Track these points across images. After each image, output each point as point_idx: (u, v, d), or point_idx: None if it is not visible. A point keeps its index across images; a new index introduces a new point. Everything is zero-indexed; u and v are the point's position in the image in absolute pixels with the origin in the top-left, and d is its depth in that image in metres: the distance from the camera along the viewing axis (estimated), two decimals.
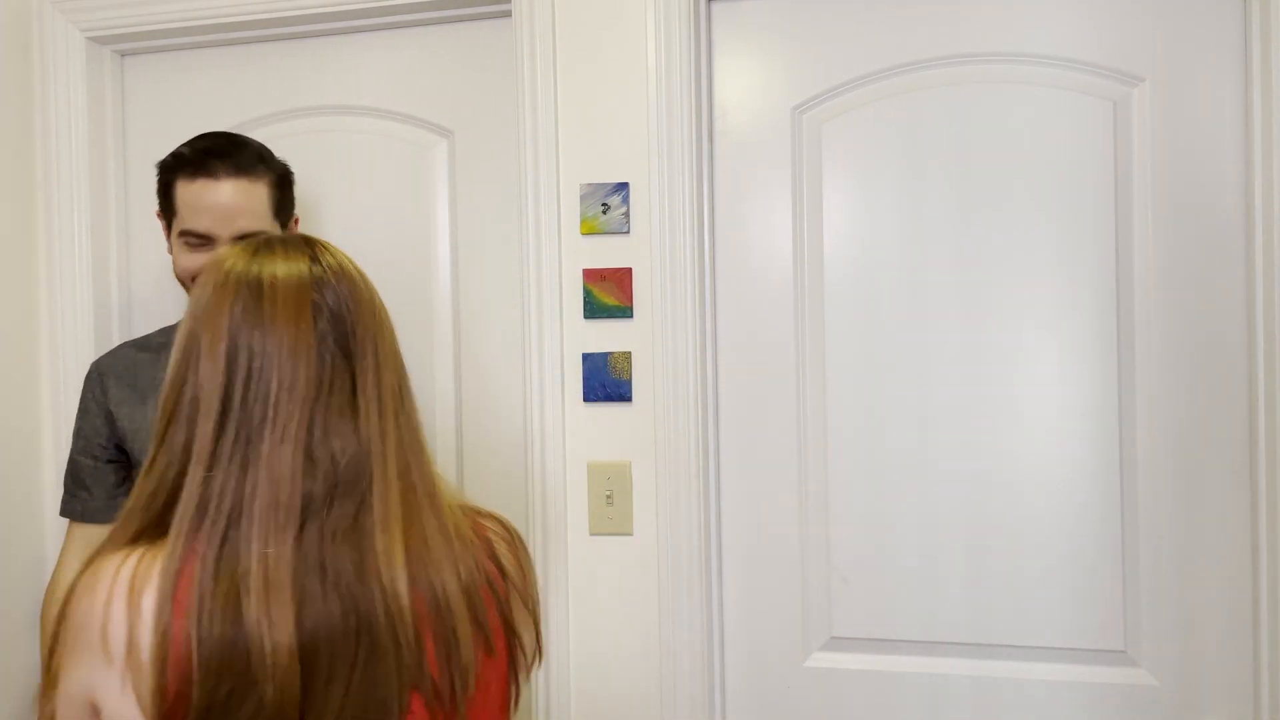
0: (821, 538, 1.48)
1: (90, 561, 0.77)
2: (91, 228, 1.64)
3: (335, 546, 0.76)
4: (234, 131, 1.40)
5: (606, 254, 1.47)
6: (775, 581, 1.49)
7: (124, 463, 1.41)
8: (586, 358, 1.47)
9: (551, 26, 1.48)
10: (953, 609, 1.43)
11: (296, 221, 1.45)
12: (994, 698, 1.42)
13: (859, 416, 1.46)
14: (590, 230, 1.47)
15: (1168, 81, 1.36)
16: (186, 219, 1.31)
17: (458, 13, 1.57)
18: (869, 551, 1.46)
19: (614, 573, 1.48)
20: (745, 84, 1.50)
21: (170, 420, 0.78)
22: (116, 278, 1.69)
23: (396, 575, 0.77)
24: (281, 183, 1.38)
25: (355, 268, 0.85)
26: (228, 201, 1.30)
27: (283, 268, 0.79)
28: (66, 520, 1.42)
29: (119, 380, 1.41)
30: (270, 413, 0.76)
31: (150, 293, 1.71)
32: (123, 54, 1.71)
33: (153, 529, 0.77)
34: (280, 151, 1.67)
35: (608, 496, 1.47)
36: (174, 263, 1.35)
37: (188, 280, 1.35)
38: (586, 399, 1.47)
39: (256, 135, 1.65)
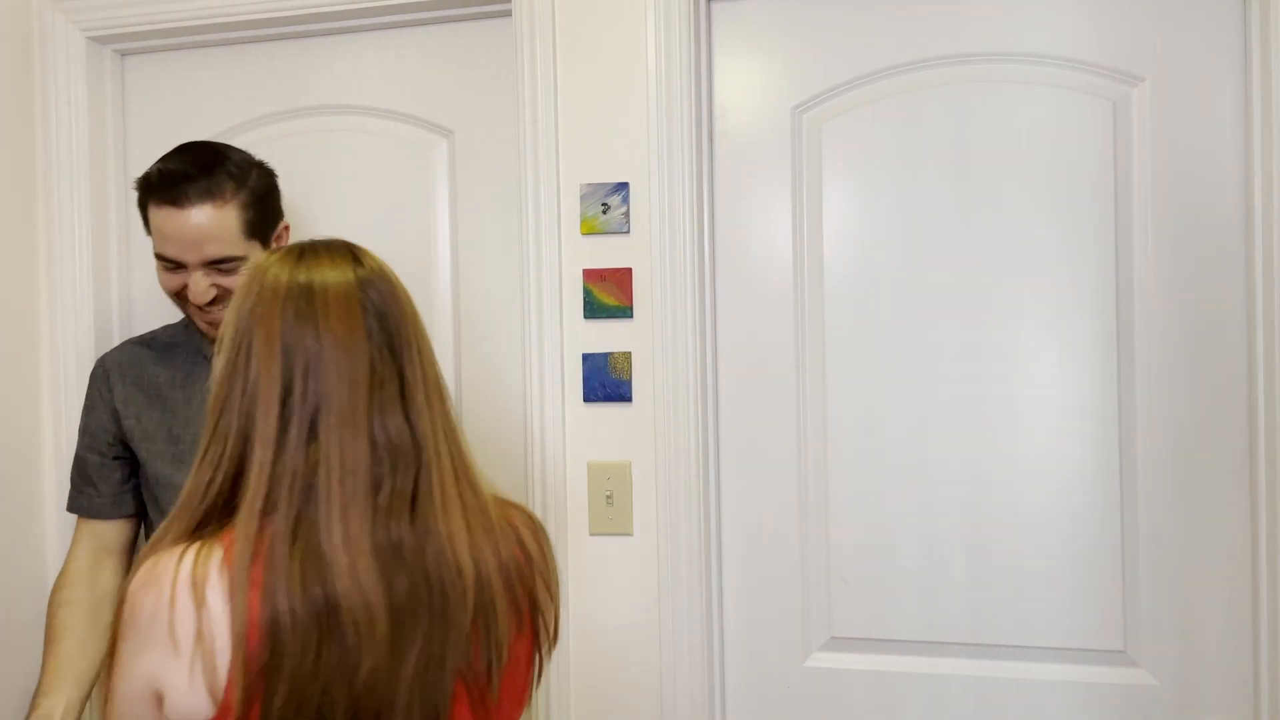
0: (821, 538, 1.48)
1: (147, 556, 0.80)
2: (91, 228, 1.64)
3: (402, 522, 0.82)
4: (214, 142, 1.37)
5: (606, 254, 1.47)
6: (775, 581, 1.49)
7: (130, 459, 1.41)
8: (586, 358, 1.47)
9: (551, 26, 1.48)
10: (953, 609, 1.43)
11: (287, 229, 1.42)
12: (994, 698, 1.42)
13: (859, 416, 1.46)
14: (590, 230, 1.47)
15: (1168, 81, 1.36)
16: (157, 243, 1.31)
17: (458, 12, 1.57)
18: (869, 551, 1.46)
19: (614, 572, 1.48)
20: (745, 84, 1.50)
21: (223, 414, 0.82)
22: (116, 278, 1.69)
23: (459, 551, 0.84)
24: (257, 201, 1.34)
25: (391, 270, 0.91)
26: (193, 230, 1.27)
27: (331, 273, 0.85)
28: (70, 517, 1.43)
29: (124, 378, 1.42)
30: (330, 403, 0.81)
31: (150, 293, 1.71)
32: (123, 54, 1.71)
33: (213, 518, 0.81)
34: (280, 151, 1.66)
35: (608, 496, 1.47)
36: (158, 277, 1.35)
37: (171, 298, 1.35)
38: (586, 399, 1.47)
39: (256, 135, 1.66)
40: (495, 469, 1.57)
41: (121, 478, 1.41)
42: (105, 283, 1.67)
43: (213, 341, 1.37)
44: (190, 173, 1.28)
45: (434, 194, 1.61)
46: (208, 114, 1.67)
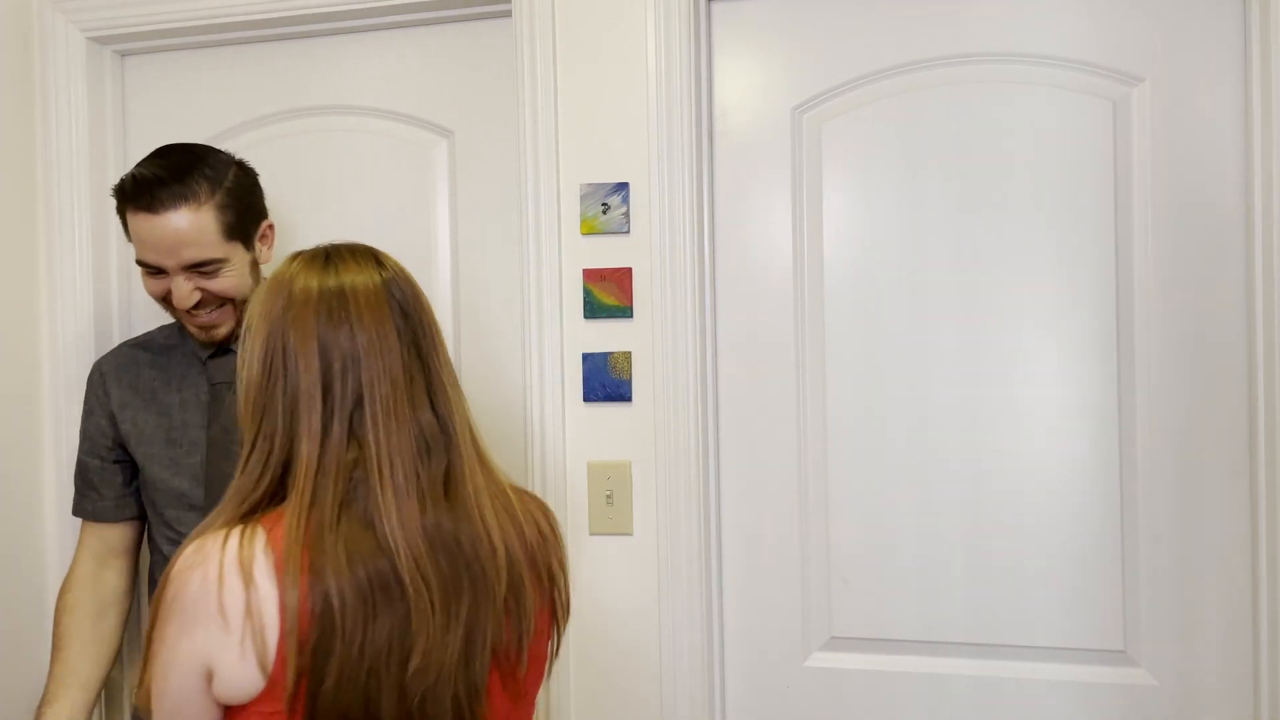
0: (821, 538, 1.48)
1: (190, 541, 0.85)
2: (91, 228, 1.64)
3: (440, 506, 0.88)
4: (191, 144, 1.36)
5: (606, 254, 1.47)
6: (775, 581, 1.49)
7: (130, 462, 1.41)
8: (586, 358, 1.47)
9: (551, 26, 1.48)
10: (953, 609, 1.43)
11: (271, 228, 1.41)
12: (994, 698, 1.42)
13: (859, 416, 1.46)
14: (590, 230, 1.47)
15: (1168, 81, 1.36)
16: (136, 249, 1.31)
17: (458, 13, 1.57)
18: (869, 551, 1.46)
19: (614, 572, 1.48)
20: (745, 84, 1.50)
21: (265, 415, 0.88)
22: (116, 278, 1.69)
23: (491, 531, 0.90)
24: (234, 201, 1.32)
25: (407, 270, 0.98)
26: (169, 235, 1.26)
27: (360, 277, 0.91)
28: (72, 517, 1.43)
29: (119, 381, 1.41)
30: (372, 398, 0.87)
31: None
32: (123, 54, 1.71)
33: (258, 510, 0.86)
34: (280, 152, 1.67)
35: (608, 496, 1.47)
36: (143, 283, 1.35)
37: (157, 302, 1.35)
38: (586, 399, 1.48)
39: (256, 135, 1.66)
40: None
41: (123, 481, 1.41)
42: (105, 283, 1.67)
43: (204, 345, 1.38)
44: (163, 177, 1.26)
45: (434, 194, 1.61)
46: (208, 114, 1.67)
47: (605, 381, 1.47)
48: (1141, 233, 1.37)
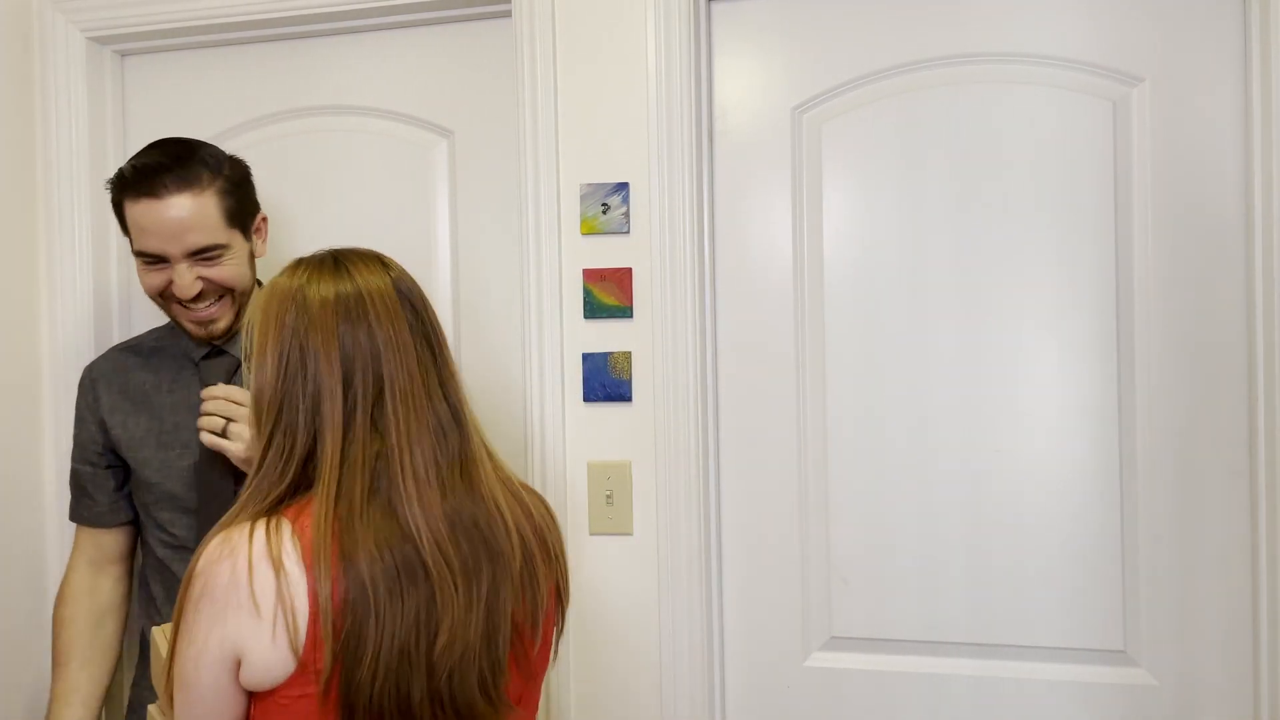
0: (821, 538, 1.48)
1: (216, 532, 0.88)
2: (91, 228, 1.64)
3: (458, 490, 0.93)
4: (183, 137, 1.36)
5: (606, 254, 1.47)
6: (775, 581, 1.49)
7: (122, 468, 1.40)
8: (586, 358, 1.47)
9: (551, 26, 1.48)
10: (953, 609, 1.43)
11: (265, 220, 1.41)
12: (994, 698, 1.42)
13: (859, 416, 1.46)
14: (590, 230, 1.47)
15: (1168, 81, 1.36)
16: (136, 239, 1.29)
17: (458, 13, 1.57)
18: (869, 551, 1.46)
19: (614, 572, 1.48)
20: (745, 84, 1.50)
21: (284, 413, 0.91)
22: (116, 278, 1.69)
23: (504, 512, 0.95)
24: (233, 188, 1.33)
25: (407, 271, 1.02)
26: (173, 219, 1.26)
27: (372, 279, 0.96)
28: (71, 524, 1.43)
29: (109, 386, 1.40)
30: (393, 391, 0.92)
31: None
32: (123, 54, 1.71)
33: (281, 504, 0.89)
34: (280, 152, 1.67)
35: (608, 496, 1.47)
36: (139, 281, 1.34)
37: (155, 297, 1.33)
38: (586, 399, 1.48)
39: (256, 135, 1.66)
40: None
41: (116, 485, 1.40)
42: (105, 283, 1.67)
43: (199, 342, 1.37)
44: (165, 163, 1.27)
45: (434, 194, 1.61)
46: (208, 114, 1.67)
47: (605, 381, 1.47)
48: (1141, 233, 1.37)
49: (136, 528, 1.44)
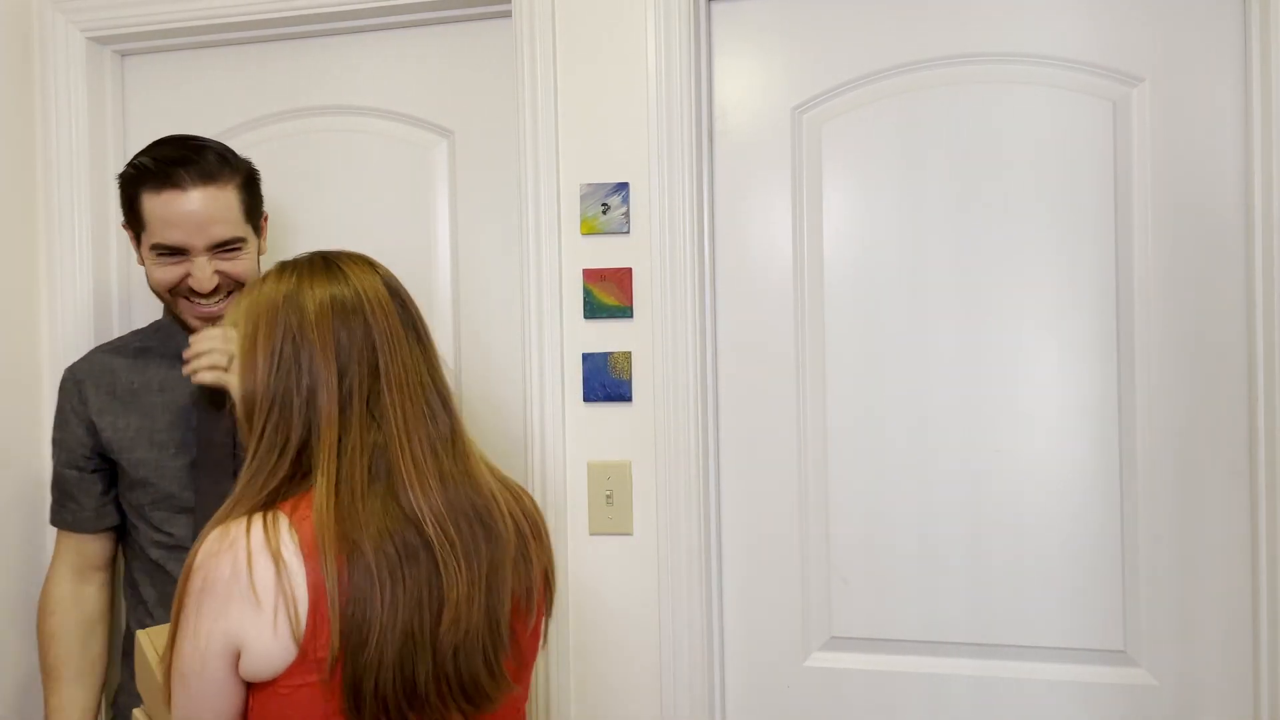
0: (821, 538, 1.48)
1: (211, 529, 0.89)
2: (92, 228, 1.64)
3: (453, 474, 0.96)
4: (195, 135, 1.36)
5: (606, 254, 1.47)
6: (775, 581, 1.49)
7: (108, 471, 1.38)
8: (586, 358, 1.47)
9: (551, 26, 1.48)
10: (953, 608, 1.43)
11: (266, 219, 1.42)
12: (994, 698, 1.42)
13: (859, 416, 1.46)
14: (590, 230, 1.47)
15: (1168, 81, 1.36)
16: (157, 232, 1.28)
17: (458, 13, 1.57)
18: (869, 551, 1.46)
19: (614, 572, 1.48)
20: (745, 84, 1.50)
21: (273, 407, 0.92)
22: (116, 277, 1.69)
23: (494, 492, 0.98)
24: (248, 184, 1.35)
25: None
26: (198, 211, 1.27)
27: (365, 279, 0.98)
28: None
29: (98, 388, 1.37)
30: (389, 382, 0.94)
31: (150, 292, 1.71)
32: (123, 54, 1.71)
33: (277, 497, 0.91)
34: (280, 152, 1.67)
35: (608, 496, 1.47)
36: (148, 275, 1.33)
37: (164, 292, 1.33)
38: (586, 399, 1.48)
39: (256, 135, 1.66)
40: None
41: (102, 489, 1.38)
42: (105, 282, 1.67)
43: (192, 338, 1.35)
44: (188, 156, 1.28)
45: (434, 194, 1.61)
46: (208, 114, 1.67)
47: (605, 381, 1.47)
48: (1141, 233, 1.37)
49: (119, 533, 1.42)
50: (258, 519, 0.88)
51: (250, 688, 0.89)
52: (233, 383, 1.20)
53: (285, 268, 0.99)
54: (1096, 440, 1.39)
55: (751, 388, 1.50)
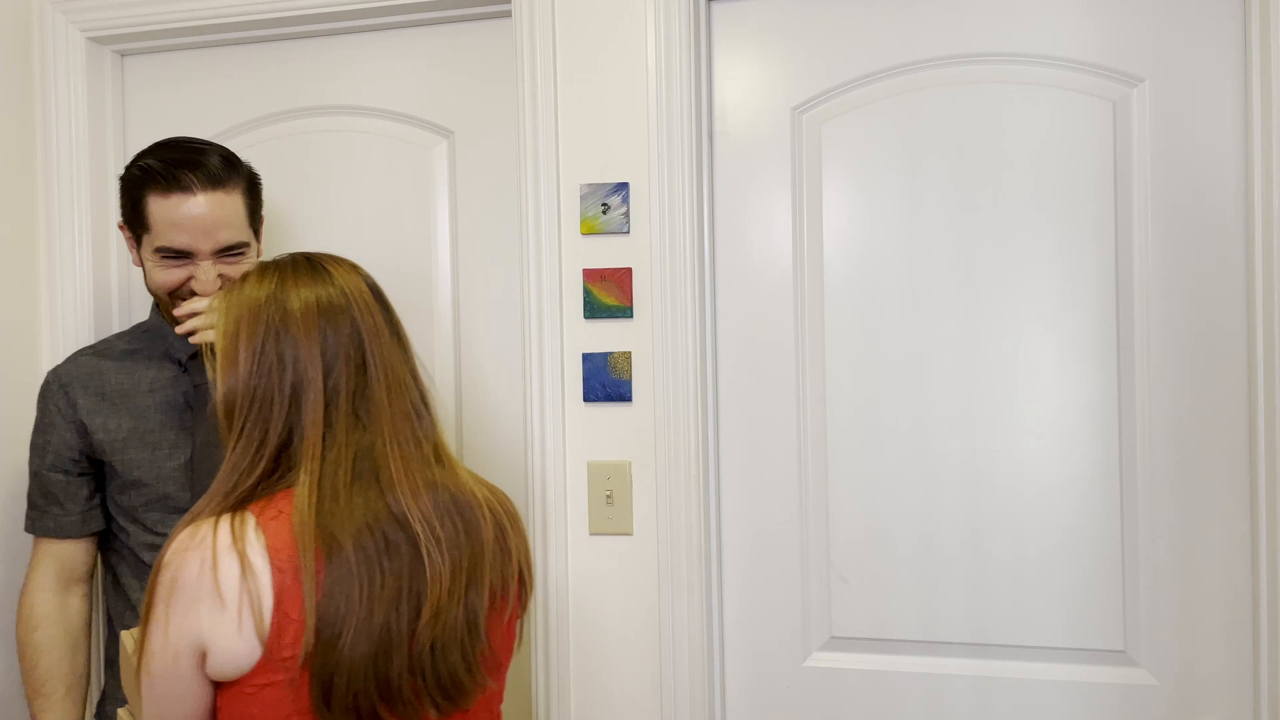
0: (821, 537, 1.48)
1: (186, 523, 0.90)
2: (92, 228, 1.64)
3: (435, 471, 0.98)
4: (194, 137, 1.36)
5: (606, 254, 1.47)
6: (775, 581, 1.49)
7: (95, 474, 1.36)
8: (586, 358, 1.47)
9: (551, 27, 1.48)
10: (953, 609, 1.43)
11: (262, 222, 1.41)
12: (994, 698, 1.42)
13: (859, 416, 1.46)
14: (590, 230, 1.47)
15: (1168, 81, 1.36)
16: (162, 235, 1.28)
17: (458, 13, 1.57)
18: (869, 551, 1.46)
19: (614, 572, 1.48)
20: (745, 84, 1.50)
21: (253, 406, 0.93)
22: (116, 278, 1.69)
23: (474, 488, 1.00)
24: (251, 188, 1.35)
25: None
26: (206, 216, 1.27)
27: (351, 279, 1.00)
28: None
29: (85, 390, 1.36)
30: (376, 381, 0.96)
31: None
32: (123, 54, 1.71)
33: (250, 496, 0.91)
34: (280, 152, 1.67)
35: (608, 496, 1.47)
36: (147, 277, 1.32)
37: (164, 295, 1.32)
38: (586, 399, 1.48)
39: (256, 135, 1.66)
40: (495, 469, 1.57)
41: (88, 493, 1.36)
42: (105, 283, 1.68)
43: (184, 338, 1.35)
44: (196, 160, 1.28)
45: (434, 194, 1.61)
46: (208, 114, 1.67)
47: (605, 381, 1.47)
48: (1141, 233, 1.37)
49: (100, 540, 1.40)
50: (225, 519, 0.89)
51: (217, 687, 0.89)
52: None
53: (267, 268, 0.99)
54: (1096, 440, 1.39)
55: (751, 388, 1.50)
